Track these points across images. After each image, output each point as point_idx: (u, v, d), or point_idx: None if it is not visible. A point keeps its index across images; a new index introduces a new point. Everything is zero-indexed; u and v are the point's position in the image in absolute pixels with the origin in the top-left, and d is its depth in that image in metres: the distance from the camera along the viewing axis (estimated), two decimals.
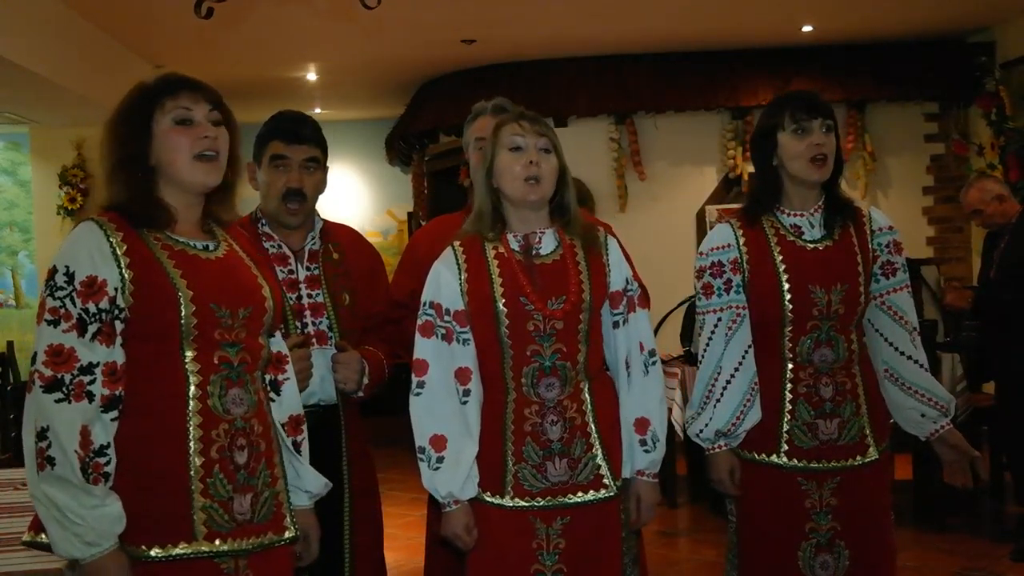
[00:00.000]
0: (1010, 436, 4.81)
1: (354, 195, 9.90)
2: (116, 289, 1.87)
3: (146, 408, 1.90)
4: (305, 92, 8.40)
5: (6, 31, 5.07)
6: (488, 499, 2.30)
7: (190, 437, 1.90)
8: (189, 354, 1.92)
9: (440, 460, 2.26)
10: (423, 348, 2.31)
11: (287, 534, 2.02)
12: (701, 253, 2.62)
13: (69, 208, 7.22)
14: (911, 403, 2.54)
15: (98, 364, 1.85)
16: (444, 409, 2.29)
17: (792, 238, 2.54)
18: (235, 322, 1.96)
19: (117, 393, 1.88)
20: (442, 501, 2.28)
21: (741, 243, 2.56)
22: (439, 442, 2.27)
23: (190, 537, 1.88)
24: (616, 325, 2.39)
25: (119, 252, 1.89)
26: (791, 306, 2.48)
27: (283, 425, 2.13)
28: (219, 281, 1.97)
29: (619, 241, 2.49)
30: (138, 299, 1.88)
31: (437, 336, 2.31)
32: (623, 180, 7.33)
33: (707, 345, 2.56)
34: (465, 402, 2.30)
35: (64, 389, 1.82)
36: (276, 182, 2.69)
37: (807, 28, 6.83)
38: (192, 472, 1.89)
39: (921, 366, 2.55)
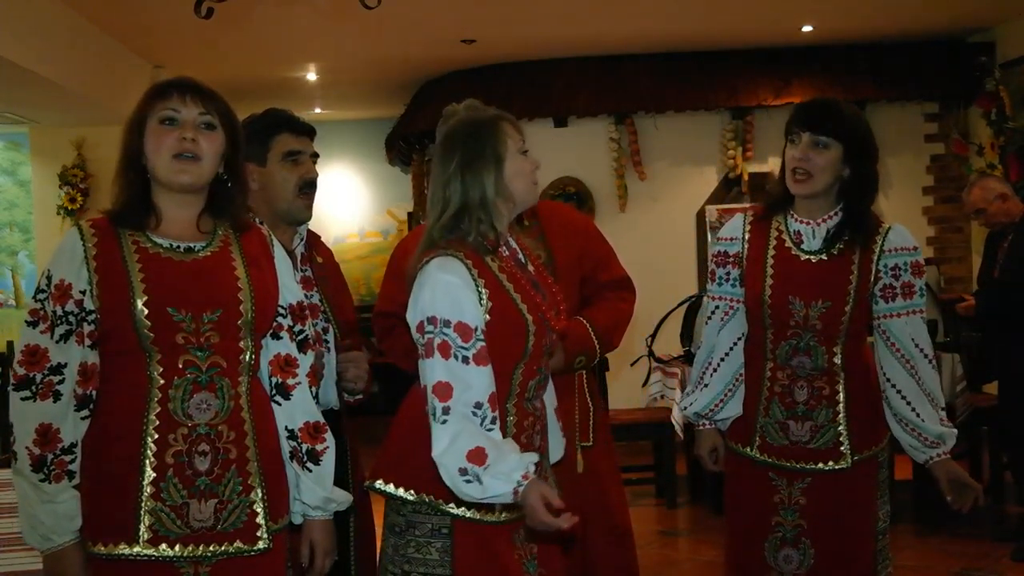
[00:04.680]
0: (1011, 436, 4.80)
1: (354, 195, 9.91)
2: (83, 292, 1.93)
3: (109, 408, 1.95)
4: (305, 92, 8.40)
5: (6, 31, 5.06)
6: (481, 518, 2.15)
7: (145, 440, 1.91)
8: (154, 357, 1.93)
9: (486, 469, 2.00)
10: (442, 370, 2.05)
11: (259, 545, 1.97)
12: (718, 239, 2.72)
13: (69, 208, 7.22)
14: (899, 432, 2.53)
15: (67, 365, 1.91)
16: (472, 429, 2.04)
17: (790, 244, 2.55)
18: (200, 326, 1.95)
19: (89, 392, 1.94)
20: (514, 499, 2.01)
21: (746, 239, 2.61)
22: (479, 455, 2.01)
23: (132, 539, 1.89)
24: None
25: (90, 256, 1.94)
26: (769, 312, 2.53)
27: (297, 431, 2.10)
28: (185, 284, 1.97)
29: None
30: (101, 302, 1.93)
31: (457, 359, 2.04)
32: (623, 180, 7.33)
33: (705, 326, 2.70)
34: (491, 430, 2.06)
35: (33, 388, 1.90)
36: (291, 176, 2.64)
37: (807, 28, 6.83)
38: (143, 475, 1.90)
39: (903, 397, 2.48)
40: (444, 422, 2.03)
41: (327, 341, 2.65)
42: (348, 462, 2.70)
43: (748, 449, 2.58)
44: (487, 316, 2.07)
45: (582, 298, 2.85)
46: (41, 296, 1.94)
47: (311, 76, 7.84)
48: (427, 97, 8.02)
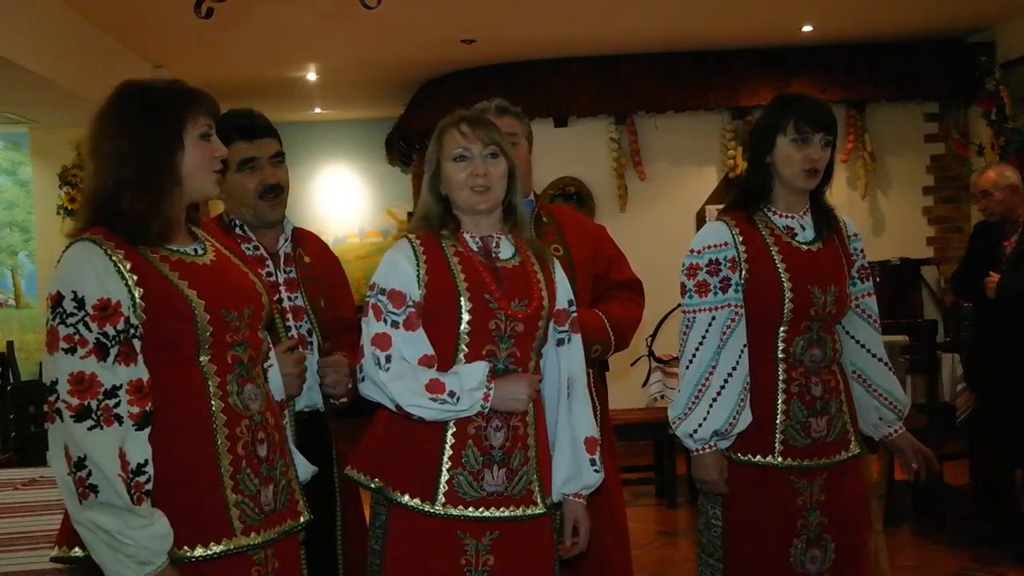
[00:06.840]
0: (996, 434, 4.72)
1: (354, 195, 9.91)
2: (129, 308, 1.87)
3: (171, 415, 1.91)
4: (305, 92, 8.40)
5: (6, 31, 5.06)
6: (416, 505, 2.19)
7: (217, 436, 1.92)
8: (204, 358, 1.94)
9: (452, 394, 2.14)
10: (374, 330, 2.21)
11: (302, 518, 2.08)
12: (694, 251, 2.58)
13: (69, 208, 7.21)
14: (873, 404, 2.67)
15: (121, 386, 1.84)
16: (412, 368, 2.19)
17: (787, 239, 2.57)
18: (242, 323, 1.99)
19: (147, 409, 1.87)
20: (482, 405, 2.17)
21: (739, 241, 2.54)
22: (436, 386, 2.15)
23: (229, 533, 1.91)
24: (560, 343, 2.34)
25: (124, 270, 1.87)
26: (791, 306, 2.50)
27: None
28: (221, 286, 1.99)
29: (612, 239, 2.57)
30: (151, 315, 1.88)
31: (387, 322, 2.20)
32: (623, 180, 7.34)
33: (700, 343, 2.53)
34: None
35: (94, 416, 1.81)
36: (248, 184, 2.60)
37: (807, 28, 6.84)
38: (222, 470, 1.92)
39: (888, 368, 2.67)
40: (387, 369, 2.18)
41: (311, 343, 2.63)
42: (333, 461, 2.68)
43: (769, 457, 2.51)
44: (424, 290, 2.21)
45: (594, 297, 2.89)
46: (73, 320, 1.83)
47: (311, 76, 7.85)
48: (427, 97, 8.03)
